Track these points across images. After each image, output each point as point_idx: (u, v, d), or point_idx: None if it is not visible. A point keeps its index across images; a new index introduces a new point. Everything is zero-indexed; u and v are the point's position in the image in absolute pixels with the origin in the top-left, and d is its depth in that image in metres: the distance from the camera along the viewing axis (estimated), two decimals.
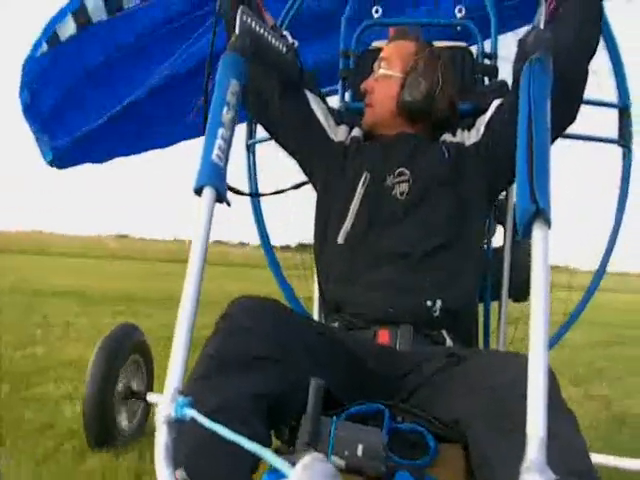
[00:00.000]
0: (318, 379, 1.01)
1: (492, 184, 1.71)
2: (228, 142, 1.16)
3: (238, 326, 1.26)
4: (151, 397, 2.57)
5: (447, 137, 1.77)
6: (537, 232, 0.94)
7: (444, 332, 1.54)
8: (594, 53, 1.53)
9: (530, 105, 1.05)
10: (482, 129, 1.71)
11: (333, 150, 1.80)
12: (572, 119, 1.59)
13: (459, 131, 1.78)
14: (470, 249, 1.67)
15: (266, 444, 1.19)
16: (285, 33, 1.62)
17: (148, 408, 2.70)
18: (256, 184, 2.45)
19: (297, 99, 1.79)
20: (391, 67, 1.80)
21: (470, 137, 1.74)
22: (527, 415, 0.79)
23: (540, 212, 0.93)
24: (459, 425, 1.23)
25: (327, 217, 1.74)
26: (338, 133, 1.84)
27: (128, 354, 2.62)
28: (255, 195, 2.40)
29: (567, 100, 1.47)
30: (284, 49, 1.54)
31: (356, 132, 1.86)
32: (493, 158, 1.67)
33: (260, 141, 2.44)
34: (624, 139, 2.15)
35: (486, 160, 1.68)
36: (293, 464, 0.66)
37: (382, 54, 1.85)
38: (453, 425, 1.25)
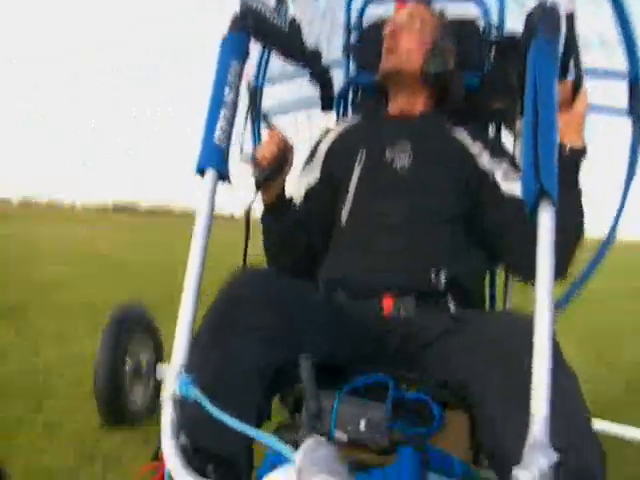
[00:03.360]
0: (306, 355, 1.01)
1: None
2: (230, 123, 1.15)
3: (240, 295, 1.26)
4: (160, 371, 2.59)
5: (464, 136, 1.72)
6: (542, 212, 0.94)
7: (449, 299, 1.52)
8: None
9: (536, 85, 1.03)
10: (484, 173, 1.66)
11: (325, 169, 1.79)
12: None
13: (479, 144, 1.71)
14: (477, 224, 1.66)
15: (265, 415, 1.22)
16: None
17: (158, 383, 2.73)
18: None
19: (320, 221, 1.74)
20: (422, 28, 1.75)
21: (485, 160, 1.68)
22: (531, 393, 0.80)
23: (545, 192, 0.93)
24: (464, 387, 1.25)
25: (331, 206, 1.73)
26: (315, 163, 1.82)
27: (133, 331, 2.65)
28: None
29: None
30: (286, 27, 1.51)
31: (342, 125, 1.88)
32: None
33: (264, 116, 2.40)
34: (635, 110, 2.11)
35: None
36: (295, 444, 0.67)
37: (410, 10, 1.78)
38: (458, 387, 1.27)
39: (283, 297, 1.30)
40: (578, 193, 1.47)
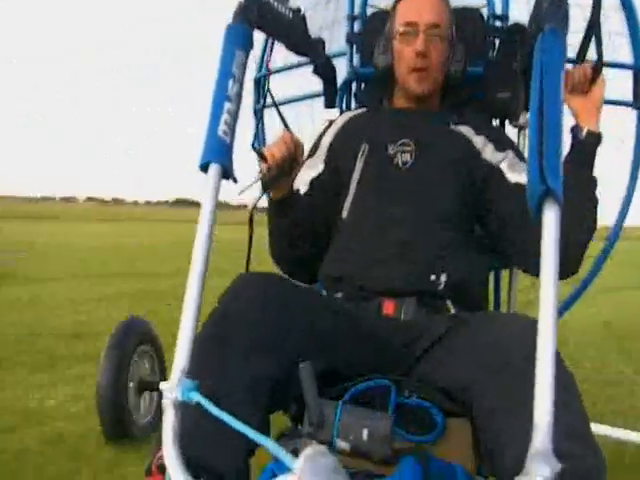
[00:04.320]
0: (305, 364, 1.00)
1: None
2: (234, 116, 1.13)
3: (240, 305, 1.24)
4: (164, 386, 2.58)
5: (467, 131, 1.71)
6: (547, 212, 0.92)
7: (449, 302, 1.52)
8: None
9: (542, 80, 1.01)
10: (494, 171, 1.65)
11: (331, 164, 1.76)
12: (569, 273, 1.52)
13: (483, 137, 1.69)
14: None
15: (264, 430, 1.19)
16: None
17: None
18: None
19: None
20: (442, 31, 1.68)
21: (489, 153, 1.67)
22: (534, 402, 0.79)
23: (550, 192, 0.92)
24: (465, 392, 1.24)
25: (335, 199, 1.71)
26: (318, 156, 1.79)
27: (137, 345, 2.65)
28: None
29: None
30: (290, 15, 1.50)
31: (345, 116, 1.85)
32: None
33: (269, 106, 2.39)
34: None
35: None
36: (295, 451, 0.67)
37: (428, 15, 1.67)
38: (459, 392, 1.26)
39: (283, 306, 1.27)
40: (592, 179, 1.47)
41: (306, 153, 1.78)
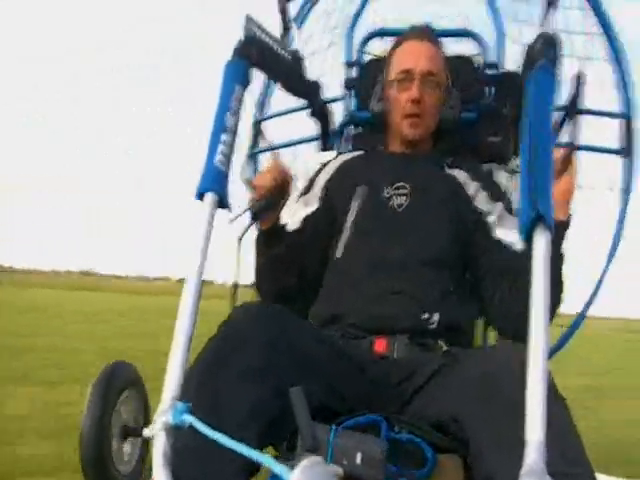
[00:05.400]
0: (296, 388, 0.99)
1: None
2: (231, 147, 1.17)
3: (237, 335, 1.24)
4: (147, 432, 2.53)
5: (462, 176, 1.73)
6: (538, 238, 0.94)
7: (441, 342, 1.51)
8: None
9: (532, 112, 1.04)
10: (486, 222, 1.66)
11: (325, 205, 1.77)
12: None
13: (477, 184, 1.72)
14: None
15: (255, 465, 1.14)
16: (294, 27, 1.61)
17: (146, 444, 2.65)
18: None
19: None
20: (436, 78, 1.72)
21: (480, 201, 1.69)
22: (526, 421, 0.79)
23: (541, 218, 0.94)
24: (456, 425, 1.23)
25: (327, 238, 1.72)
26: (312, 196, 1.80)
27: (120, 391, 2.59)
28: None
29: None
30: (289, 57, 1.54)
31: (341, 158, 1.87)
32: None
33: (263, 150, 2.43)
34: (627, 150, 2.12)
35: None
36: (292, 468, 0.66)
37: (423, 63, 1.71)
38: (450, 425, 1.25)
39: (279, 338, 1.26)
40: (560, 257, 1.44)
41: (299, 189, 1.80)
